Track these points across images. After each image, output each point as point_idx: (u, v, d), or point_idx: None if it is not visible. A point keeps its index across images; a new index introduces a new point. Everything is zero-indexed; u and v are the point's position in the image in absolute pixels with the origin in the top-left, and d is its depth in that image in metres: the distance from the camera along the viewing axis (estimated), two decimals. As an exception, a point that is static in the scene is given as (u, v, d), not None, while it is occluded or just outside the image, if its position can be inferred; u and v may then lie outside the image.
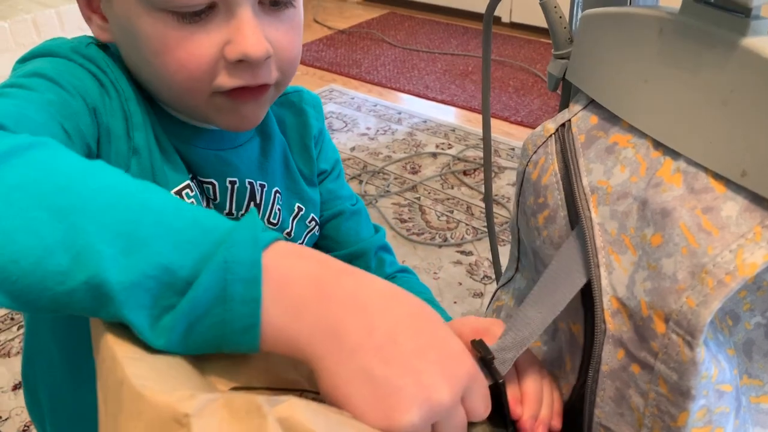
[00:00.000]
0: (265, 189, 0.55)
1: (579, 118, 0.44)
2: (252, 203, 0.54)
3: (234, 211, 0.53)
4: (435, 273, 1.40)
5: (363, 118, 2.06)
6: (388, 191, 1.68)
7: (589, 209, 0.38)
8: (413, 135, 1.95)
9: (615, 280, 0.36)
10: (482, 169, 1.76)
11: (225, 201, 0.52)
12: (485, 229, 1.53)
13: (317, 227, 0.61)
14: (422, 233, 1.53)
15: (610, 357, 0.36)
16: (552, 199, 0.43)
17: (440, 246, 1.48)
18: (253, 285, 0.28)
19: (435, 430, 0.30)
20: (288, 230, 0.58)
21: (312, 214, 0.60)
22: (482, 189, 1.67)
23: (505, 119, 2.03)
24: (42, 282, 0.27)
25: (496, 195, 1.65)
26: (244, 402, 0.25)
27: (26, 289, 0.27)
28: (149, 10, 0.41)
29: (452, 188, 1.70)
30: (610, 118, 0.41)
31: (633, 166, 0.38)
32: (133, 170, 0.45)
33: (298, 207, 0.59)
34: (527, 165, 0.47)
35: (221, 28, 0.42)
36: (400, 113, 2.09)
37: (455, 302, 1.32)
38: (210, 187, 0.51)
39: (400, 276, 0.65)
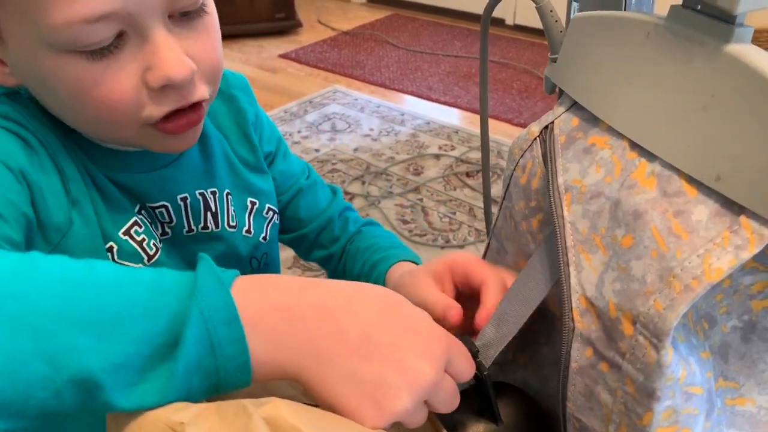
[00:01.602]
0: (217, 195, 0.54)
1: (562, 120, 0.44)
2: (208, 213, 0.53)
3: (194, 227, 0.53)
4: (434, 274, 1.40)
5: (366, 119, 2.07)
6: (390, 192, 1.68)
7: (561, 207, 0.39)
8: (416, 136, 1.96)
9: (584, 279, 0.36)
10: (484, 170, 1.76)
11: (182, 220, 0.51)
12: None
13: (276, 215, 0.60)
14: (424, 234, 1.53)
15: (578, 355, 0.36)
16: (545, 202, 0.43)
17: (442, 247, 1.49)
18: (234, 325, 0.29)
19: (429, 404, 0.33)
20: (247, 228, 0.58)
21: (267, 205, 0.59)
22: (484, 191, 1.67)
23: (509, 121, 2.03)
24: (25, 392, 0.26)
25: (497, 197, 1.65)
26: (232, 406, 0.28)
27: (8, 401, 0.26)
28: (54, 54, 0.38)
29: (455, 190, 1.70)
30: (591, 119, 0.41)
31: (608, 167, 0.38)
32: (77, 222, 0.43)
33: (251, 202, 0.58)
34: (514, 169, 0.47)
35: (136, 56, 0.39)
36: (403, 115, 2.09)
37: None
38: (163, 210, 0.50)
39: (365, 230, 0.66)
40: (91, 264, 0.30)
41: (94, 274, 0.29)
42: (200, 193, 0.53)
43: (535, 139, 0.45)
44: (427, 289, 0.47)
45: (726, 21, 0.32)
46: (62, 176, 0.43)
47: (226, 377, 0.29)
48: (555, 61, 0.46)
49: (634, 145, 0.37)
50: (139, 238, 0.48)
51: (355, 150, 1.89)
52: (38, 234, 0.42)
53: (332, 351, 0.30)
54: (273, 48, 2.61)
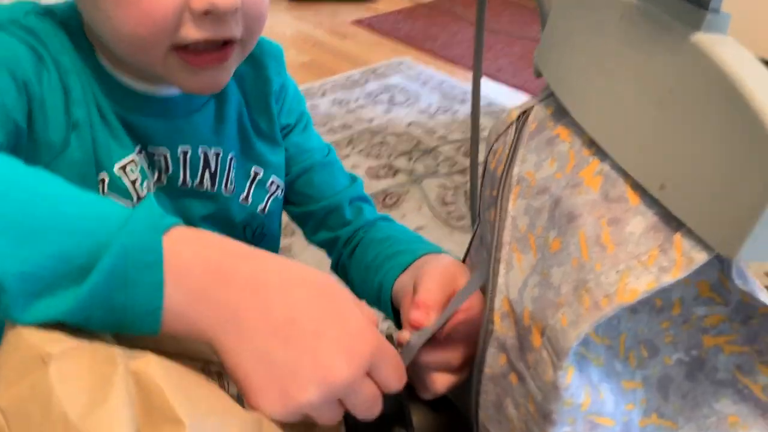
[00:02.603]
0: (220, 156, 0.53)
1: (540, 106, 0.40)
2: (206, 172, 0.53)
3: (189, 181, 0.52)
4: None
5: (426, 94, 2.03)
6: (436, 172, 1.65)
7: (508, 199, 0.35)
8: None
9: (511, 280, 0.33)
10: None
11: (178, 171, 0.51)
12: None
13: (280, 190, 0.60)
14: (462, 218, 1.49)
15: (493, 360, 0.33)
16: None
17: (477, 234, 1.44)
18: (155, 269, 0.28)
19: (345, 405, 0.31)
20: (244, 195, 0.57)
21: (273, 177, 0.58)
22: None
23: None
24: None
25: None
26: (105, 351, 0.27)
27: None
28: None
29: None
30: (563, 109, 0.37)
31: (562, 162, 0.34)
32: (73, 145, 0.44)
33: (255, 171, 0.57)
34: (488, 154, 0.44)
35: None
36: (465, 93, 2.03)
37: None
38: (161, 158, 0.50)
39: (380, 224, 0.63)
40: (41, 174, 0.30)
41: (38, 182, 0.29)
42: (203, 150, 0.53)
43: (512, 123, 0.42)
44: (424, 286, 0.42)
45: (699, 4, 0.27)
46: (67, 97, 0.44)
47: (133, 319, 0.28)
48: (542, 42, 0.42)
49: (592, 142, 0.33)
50: (132, 177, 0.49)
51: (409, 125, 1.85)
52: (31, 147, 0.43)
53: (251, 325, 0.29)
54: (348, 13, 2.59)
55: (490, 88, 2.08)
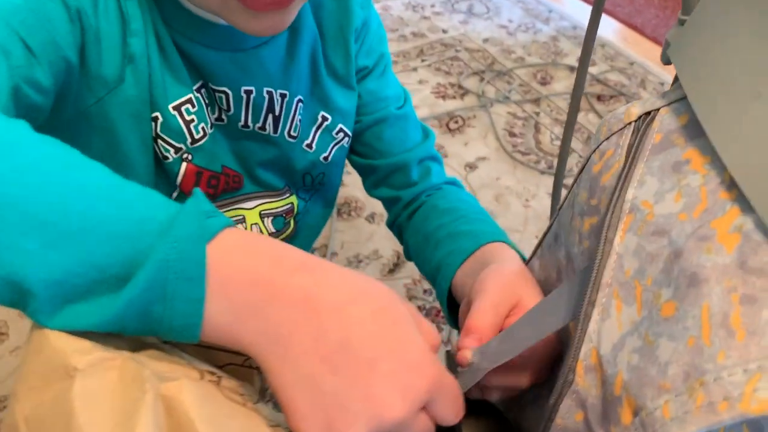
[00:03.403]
0: (285, 99, 0.49)
1: (669, 110, 0.34)
2: (270, 115, 0.49)
3: (250, 124, 0.49)
4: (527, 200, 1.31)
5: (508, 7, 1.87)
6: (507, 98, 1.55)
7: (615, 230, 0.30)
8: (557, 40, 1.75)
9: (605, 331, 0.29)
10: (620, 96, 1.56)
11: (240, 112, 0.47)
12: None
13: (347, 138, 0.55)
14: (528, 153, 1.42)
15: (567, 413, 0.30)
16: (605, 207, 0.34)
17: (543, 173, 1.37)
18: (197, 283, 0.25)
19: None
20: (309, 142, 0.53)
21: (340, 125, 0.54)
22: (610, 121, 1.49)
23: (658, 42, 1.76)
24: None
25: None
26: (134, 370, 0.25)
27: None
28: None
29: (579, 111, 1.53)
30: (699, 124, 0.31)
31: (691, 200, 0.29)
32: (128, 80, 0.41)
33: (323, 116, 0.53)
34: (594, 151, 0.38)
35: None
36: (550, 11, 1.87)
37: (536, 237, 1.24)
38: (222, 96, 0.46)
39: (446, 189, 0.59)
40: (77, 162, 0.27)
41: (74, 172, 0.26)
42: (268, 92, 0.48)
43: (630, 123, 0.36)
44: (478, 306, 0.38)
45: None
46: (125, 28, 0.41)
47: (170, 330, 0.26)
48: (682, 25, 0.35)
49: (733, 184, 0.27)
50: (188, 118, 0.46)
51: (485, 41, 1.73)
52: (83, 82, 0.41)
53: (300, 348, 0.26)
54: None
55: (577, 9, 1.90)
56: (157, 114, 0.44)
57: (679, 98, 0.33)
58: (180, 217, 0.26)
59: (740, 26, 0.29)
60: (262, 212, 0.55)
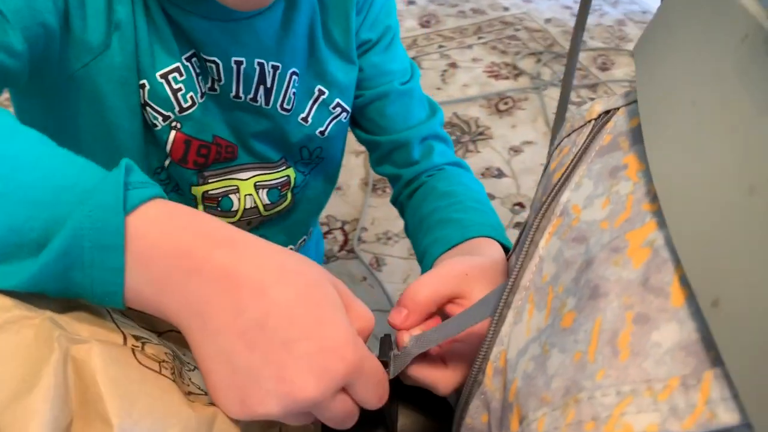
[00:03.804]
0: (278, 71, 0.49)
1: (625, 111, 0.32)
2: (261, 87, 0.49)
3: (242, 95, 0.49)
4: (567, 187, 1.27)
5: (577, -14, 1.79)
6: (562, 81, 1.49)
7: (543, 232, 0.29)
8: (623, 25, 1.66)
9: (514, 335, 0.28)
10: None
11: (231, 83, 0.48)
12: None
13: (345, 114, 0.55)
14: (578, 139, 1.37)
15: (476, 414, 0.29)
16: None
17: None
18: (114, 253, 0.26)
19: (315, 415, 0.29)
20: (304, 115, 0.53)
21: (337, 99, 0.53)
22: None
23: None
24: None
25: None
26: (48, 330, 0.25)
27: None
28: None
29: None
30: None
31: (617, 207, 0.27)
32: (114, 47, 0.42)
33: (319, 90, 0.52)
34: (555, 148, 0.37)
35: None
36: (621, -8, 1.77)
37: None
38: (213, 66, 0.47)
39: (447, 171, 0.58)
40: (8, 129, 0.28)
41: (2, 140, 0.28)
42: (259, 63, 0.49)
43: (590, 121, 0.34)
44: (419, 281, 0.37)
45: None
46: None
47: (93, 297, 0.27)
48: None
49: (656, 197, 0.26)
50: (175, 86, 0.47)
51: (547, 21, 1.66)
52: (69, 47, 0.42)
53: (217, 323, 0.27)
54: None
55: (653, -11, 1.79)
56: (144, 81, 0.45)
57: (634, 100, 0.31)
58: (100, 187, 0.26)
59: (689, 31, 0.27)
60: (257, 183, 0.56)
